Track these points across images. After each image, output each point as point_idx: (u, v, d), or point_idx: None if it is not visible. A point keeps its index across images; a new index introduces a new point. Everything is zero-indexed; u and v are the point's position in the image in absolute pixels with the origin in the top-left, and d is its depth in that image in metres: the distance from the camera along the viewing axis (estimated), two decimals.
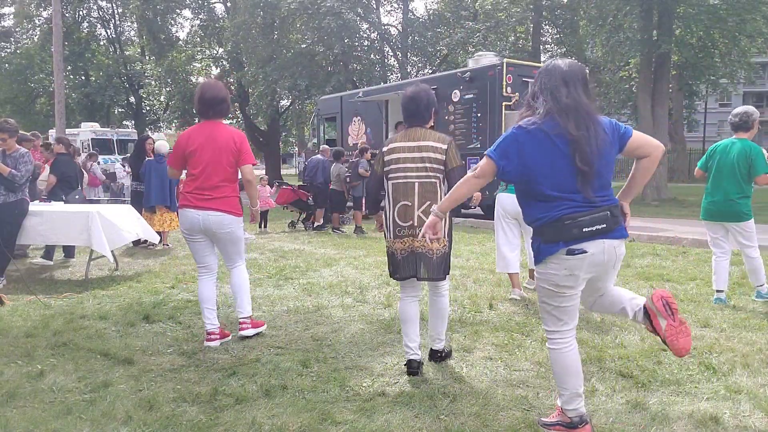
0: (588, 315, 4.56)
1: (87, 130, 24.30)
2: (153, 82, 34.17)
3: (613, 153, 2.57)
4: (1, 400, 3.15)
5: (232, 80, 28.28)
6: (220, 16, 30.70)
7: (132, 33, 36.15)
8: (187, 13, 32.41)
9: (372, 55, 25.68)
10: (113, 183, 14.86)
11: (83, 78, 32.95)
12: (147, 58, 34.44)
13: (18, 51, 33.08)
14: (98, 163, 15.07)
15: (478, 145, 11.79)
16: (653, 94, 17.30)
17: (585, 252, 2.51)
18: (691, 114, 33.57)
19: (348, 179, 11.12)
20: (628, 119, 28.83)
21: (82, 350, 3.94)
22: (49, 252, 7.43)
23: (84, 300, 5.43)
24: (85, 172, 11.05)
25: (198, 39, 31.24)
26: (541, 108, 2.56)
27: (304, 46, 24.64)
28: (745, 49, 18.01)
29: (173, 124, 35.98)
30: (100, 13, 34.12)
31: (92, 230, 6.10)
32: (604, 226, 2.51)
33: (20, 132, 6.72)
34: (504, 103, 11.24)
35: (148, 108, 36.74)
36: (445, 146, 3.44)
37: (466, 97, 12.20)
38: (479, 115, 11.92)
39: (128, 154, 17.01)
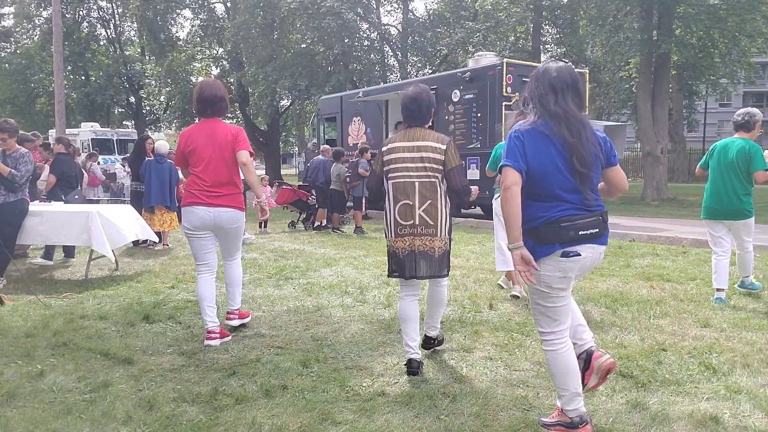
0: (587, 315, 4.56)
1: (87, 130, 24.33)
2: (153, 82, 34.10)
3: (599, 163, 2.61)
4: (1, 400, 3.15)
5: (232, 80, 28.26)
6: (220, 16, 30.66)
7: (132, 33, 36.19)
8: (187, 13, 32.45)
9: (372, 55, 25.65)
10: (113, 183, 14.85)
11: (83, 78, 32.95)
12: (147, 58, 34.44)
13: (18, 51, 33.10)
14: (98, 163, 15.06)
15: (478, 145, 11.79)
16: (653, 94, 17.31)
17: (579, 255, 2.55)
18: (691, 114, 33.60)
19: (348, 179, 11.11)
20: (628, 119, 28.85)
21: (82, 350, 3.94)
22: (49, 252, 7.43)
23: (84, 300, 5.43)
24: (85, 172, 11.06)
25: (198, 39, 31.19)
26: (532, 115, 2.61)
27: (304, 46, 24.64)
28: (745, 49, 18.02)
29: (173, 124, 35.92)
30: (100, 13, 34.14)
31: (92, 230, 6.10)
32: (597, 230, 2.56)
33: (21, 132, 6.72)
34: (504, 103, 11.23)
35: (148, 108, 36.72)
36: (444, 146, 3.46)
37: (466, 97, 12.19)
38: (479, 115, 11.92)
39: (128, 154, 17.00)
